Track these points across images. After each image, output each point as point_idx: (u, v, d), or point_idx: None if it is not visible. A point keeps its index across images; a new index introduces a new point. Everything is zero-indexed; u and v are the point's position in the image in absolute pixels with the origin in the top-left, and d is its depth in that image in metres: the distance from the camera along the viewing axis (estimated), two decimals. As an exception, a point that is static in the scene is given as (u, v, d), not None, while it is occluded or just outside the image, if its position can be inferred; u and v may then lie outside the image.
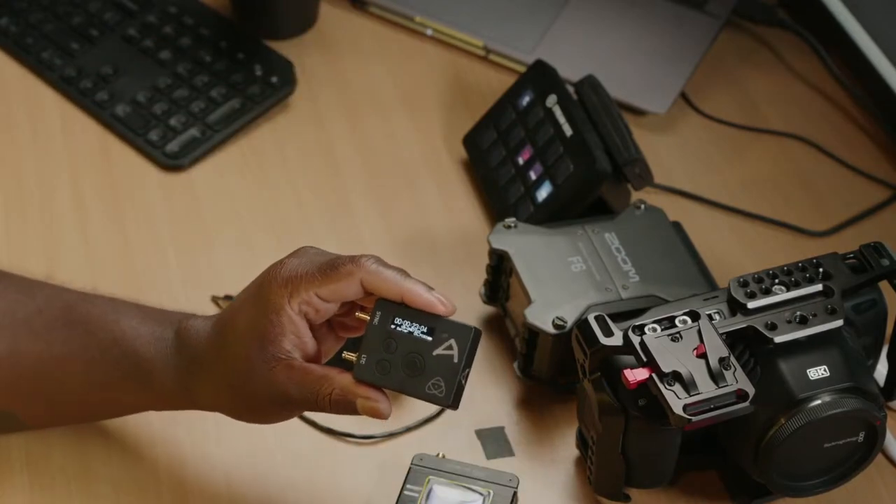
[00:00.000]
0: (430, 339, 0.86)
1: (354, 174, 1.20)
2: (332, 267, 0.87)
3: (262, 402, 0.89)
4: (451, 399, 0.85)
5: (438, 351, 0.86)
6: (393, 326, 0.86)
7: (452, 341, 0.86)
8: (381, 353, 0.86)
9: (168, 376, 0.91)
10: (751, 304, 0.93)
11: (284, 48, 1.28)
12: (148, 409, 0.96)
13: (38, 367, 0.93)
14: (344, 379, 0.87)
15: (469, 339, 0.86)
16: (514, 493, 0.93)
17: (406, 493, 0.92)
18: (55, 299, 0.94)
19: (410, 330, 0.86)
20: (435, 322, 0.86)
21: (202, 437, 1.01)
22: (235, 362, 0.88)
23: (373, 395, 0.87)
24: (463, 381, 0.86)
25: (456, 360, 0.85)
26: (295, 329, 0.87)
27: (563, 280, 1.03)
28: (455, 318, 0.86)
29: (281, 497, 0.99)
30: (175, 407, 0.94)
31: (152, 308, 0.95)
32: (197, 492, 0.98)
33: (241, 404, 0.90)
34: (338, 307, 0.89)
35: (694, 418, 0.87)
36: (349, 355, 0.87)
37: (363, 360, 0.86)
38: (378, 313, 0.87)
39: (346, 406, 0.87)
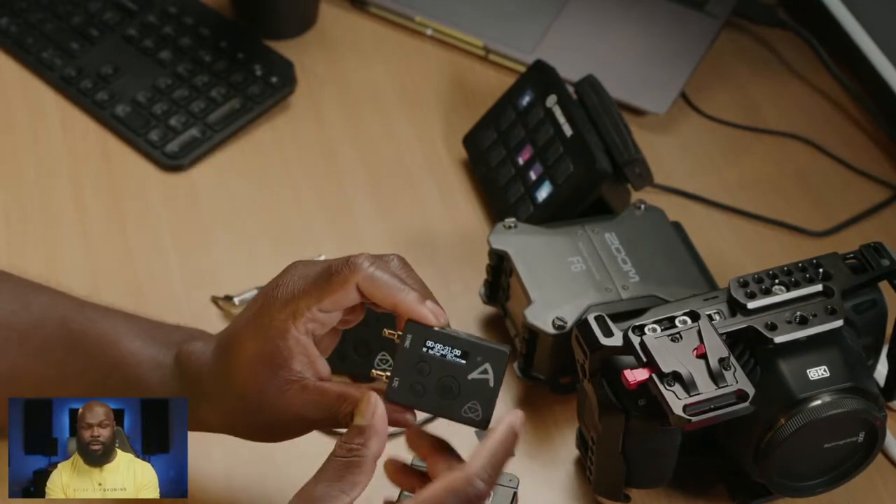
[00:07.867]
0: (463, 362, 0.86)
1: (354, 174, 1.20)
2: (326, 277, 0.86)
3: (277, 425, 0.89)
4: (487, 422, 0.86)
5: (474, 375, 0.86)
6: (425, 350, 0.86)
7: (487, 365, 0.86)
8: (413, 376, 0.86)
9: None
10: (751, 305, 0.93)
11: (284, 48, 1.28)
12: None
13: (37, 386, 0.92)
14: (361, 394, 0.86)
15: (505, 362, 0.86)
16: (515, 494, 0.93)
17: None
18: (52, 311, 0.93)
19: (444, 353, 0.86)
20: (467, 346, 0.86)
21: (202, 437, 1.01)
22: (245, 388, 0.87)
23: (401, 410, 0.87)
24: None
25: (492, 383, 0.86)
26: (303, 350, 0.86)
27: (563, 280, 1.03)
28: (481, 334, 0.86)
29: (281, 497, 0.99)
30: None
31: (152, 324, 0.93)
32: (197, 491, 0.98)
33: (255, 427, 0.90)
34: (342, 314, 0.88)
35: (694, 419, 0.86)
36: (378, 374, 0.88)
37: (396, 384, 0.86)
38: (409, 336, 0.86)
39: None
